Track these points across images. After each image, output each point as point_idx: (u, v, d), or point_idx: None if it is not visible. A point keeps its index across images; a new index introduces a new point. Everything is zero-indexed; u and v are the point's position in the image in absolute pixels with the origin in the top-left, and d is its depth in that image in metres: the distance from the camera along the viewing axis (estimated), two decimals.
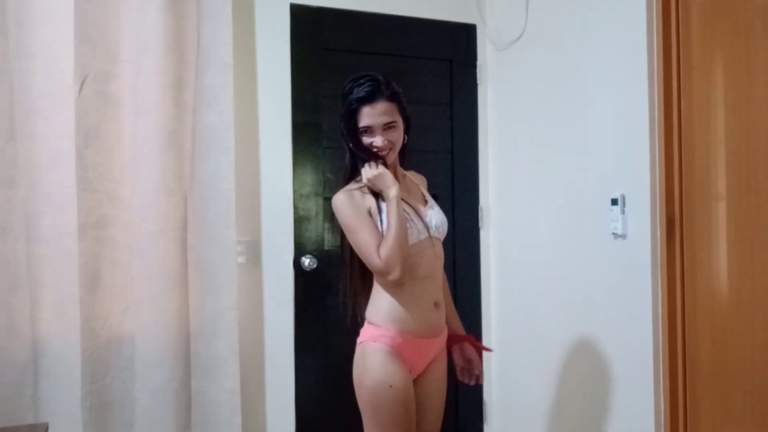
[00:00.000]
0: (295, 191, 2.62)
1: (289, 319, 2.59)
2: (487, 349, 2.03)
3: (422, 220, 1.78)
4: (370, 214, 1.73)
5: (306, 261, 2.62)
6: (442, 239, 1.84)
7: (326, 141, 2.68)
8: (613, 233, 2.12)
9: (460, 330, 1.96)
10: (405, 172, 1.91)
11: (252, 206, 2.57)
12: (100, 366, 2.27)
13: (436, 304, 1.79)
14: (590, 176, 2.26)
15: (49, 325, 2.23)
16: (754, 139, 1.73)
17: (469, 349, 1.93)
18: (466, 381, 1.94)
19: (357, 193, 1.76)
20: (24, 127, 2.22)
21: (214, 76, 2.42)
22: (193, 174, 2.40)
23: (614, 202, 2.10)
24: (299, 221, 2.64)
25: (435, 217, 1.82)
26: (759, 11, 1.71)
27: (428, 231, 1.78)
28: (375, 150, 1.75)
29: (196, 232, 2.40)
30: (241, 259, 2.50)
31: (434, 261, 1.80)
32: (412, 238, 1.73)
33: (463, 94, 2.94)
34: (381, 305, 1.75)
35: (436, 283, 1.81)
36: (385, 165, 1.75)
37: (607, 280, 2.17)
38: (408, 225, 1.72)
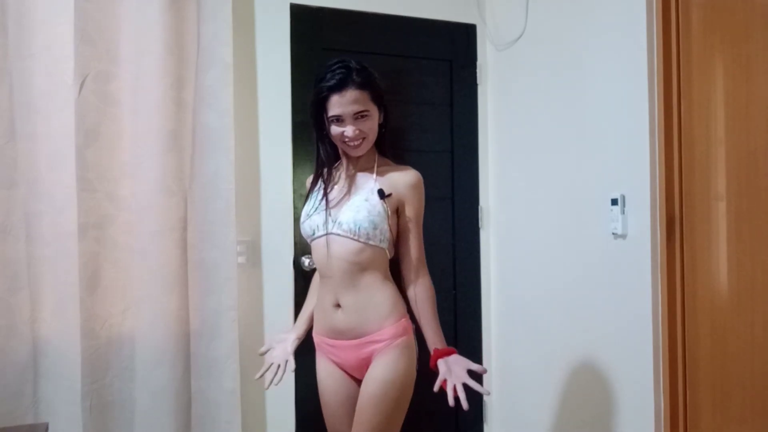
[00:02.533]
0: (295, 191, 2.62)
1: (289, 319, 2.59)
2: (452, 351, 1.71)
3: (326, 215, 1.74)
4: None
5: (306, 261, 2.61)
6: (356, 239, 1.70)
7: None
8: (613, 233, 2.12)
9: (442, 344, 1.73)
10: (392, 165, 1.82)
11: (252, 206, 2.57)
12: (100, 366, 2.27)
13: (338, 306, 1.75)
14: (590, 176, 2.26)
15: (49, 325, 2.23)
16: (754, 139, 1.73)
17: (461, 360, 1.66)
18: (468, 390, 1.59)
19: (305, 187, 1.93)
20: (24, 127, 2.21)
21: (214, 76, 2.41)
22: (193, 174, 2.40)
23: (614, 202, 2.10)
24: (299, 221, 2.63)
25: (344, 214, 1.72)
26: (759, 11, 1.71)
27: (326, 228, 1.75)
28: (346, 140, 1.71)
29: (196, 232, 2.40)
30: (241, 259, 2.50)
31: (329, 260, 1.74)
32: (307, 232, 1.81)
33: (463, 94, 2.94)
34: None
35: (335, 284, 1.74)
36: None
37: (607, 280, 2.17)
38: (302, 220, 1.82)
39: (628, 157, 2.07)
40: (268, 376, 1.80)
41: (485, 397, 2.92)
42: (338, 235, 1.72)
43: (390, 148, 1.88)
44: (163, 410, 2.31)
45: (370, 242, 1.71)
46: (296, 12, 2.65)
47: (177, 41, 2.36)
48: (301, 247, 2.63)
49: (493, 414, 2.93)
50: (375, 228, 1.71)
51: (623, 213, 2.08)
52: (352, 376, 1.80)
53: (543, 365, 2.55)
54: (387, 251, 1.77)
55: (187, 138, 2.39)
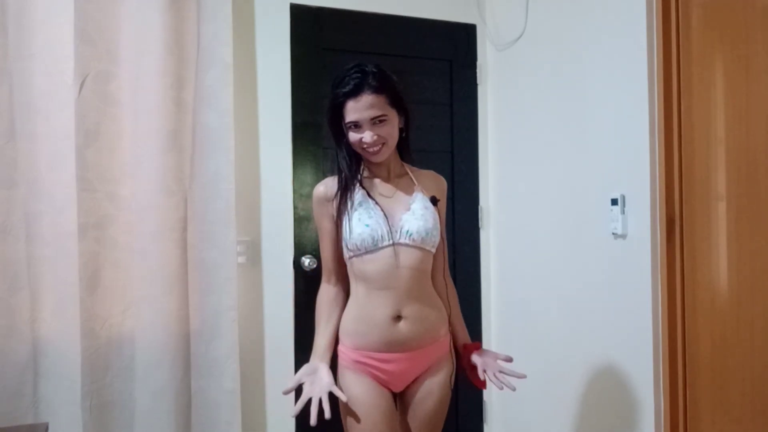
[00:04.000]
0: (295, 191, 2.62)
1: (289, 319, 2.59)
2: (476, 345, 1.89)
3: (388, 225, 1.66)
4: (333, 216, 1.73)
5: (306, 261, 2.62)
6: (422, 246, 1.68)
7: (326, 141, 2.67)
8: (613, 233, 2.12)
9: (467, 339, 1.88)
10: (417, 170, 1.82)
11: (252, 206, 2.57)
12: (100, 366, 2.26)
13: (399, 318, 1.67)
14: (590, 176, 2.26)
15: (49, 325, 2.23)
16: (754, 139, 1.73)
17: (491, 353, 1.83)
18: (500, 382, 1.74)
19: (327, 193, 1.75)
20: (24, 127, 2.21)
21: (214, 76, 2.42)
22: (193, 174, 2.40)
23: (614, 202, 2.10)
24: (299, 221, 2.64)
25: (409, 222, 1.68)
26: (759, 11, 1.71)
27: (392, 237, 1.66)
28: (364, 147, 1.67)
29: (196, 232, 2.40)
30: (241, 259, 2.50)
31: (395, 271, 1.66)
32: (364, 244, 1.64)
33: (463, 94, 2.94)
34: (345, 317, 1.75)
35: (398, 295, 1.66)
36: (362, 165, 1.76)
37: (607, 280, 2.17)
38: (359, 230, 1.64)
39: (628, 157, 2.07)
40: (313, 412, 1.59)
41: (485, 398, 2.93)
42: (407, 245, 1.67)
43: (413, 153, 1.84)
44: (163, 410, 2.31)
45: (432, 250, 1.73)
46: (296, 12, 2.65)
47: (177, 41, 2.36)
48: (301, 247, 2.63)
49: (493, 414, 2.93)
50: (437, 235, 1.73)
51: (623, 213, 2.08)
52: (388, 389, 1.73)
53: (542, 365, 2.55)
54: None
55: (187, 138, 2.39)
